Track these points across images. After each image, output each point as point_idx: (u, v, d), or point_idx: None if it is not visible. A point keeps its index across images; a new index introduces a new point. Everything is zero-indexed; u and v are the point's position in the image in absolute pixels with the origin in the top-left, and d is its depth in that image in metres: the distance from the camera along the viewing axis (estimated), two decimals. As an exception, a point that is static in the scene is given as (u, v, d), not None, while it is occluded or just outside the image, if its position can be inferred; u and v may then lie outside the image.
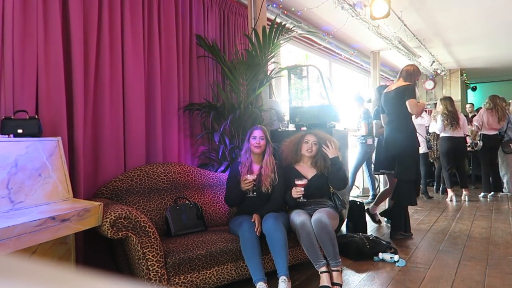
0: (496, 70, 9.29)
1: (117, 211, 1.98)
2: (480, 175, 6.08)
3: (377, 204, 4.15)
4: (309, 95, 3.92)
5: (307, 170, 2.83)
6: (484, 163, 5.94)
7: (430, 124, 5.93)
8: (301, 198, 2.62)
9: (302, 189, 2.60)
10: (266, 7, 3.97)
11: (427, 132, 5.98)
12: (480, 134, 5.89)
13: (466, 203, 5.40)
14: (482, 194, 5.86)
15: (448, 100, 5.57)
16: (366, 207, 4.01)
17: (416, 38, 6.01)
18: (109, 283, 0.29)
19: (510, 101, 6.07)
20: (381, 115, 3.83)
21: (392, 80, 9.31)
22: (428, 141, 5.88)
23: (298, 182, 2.60)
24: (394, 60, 8.07)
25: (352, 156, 5.11)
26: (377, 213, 4.15)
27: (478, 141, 5.92)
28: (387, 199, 4.15)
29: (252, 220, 2.46)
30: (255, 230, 2.39)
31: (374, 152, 4.32)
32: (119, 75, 2.75)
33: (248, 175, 2.58)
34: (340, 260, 2.46)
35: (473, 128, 5.97)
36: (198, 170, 3.02)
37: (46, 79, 2.30)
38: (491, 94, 5.94)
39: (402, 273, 2.68)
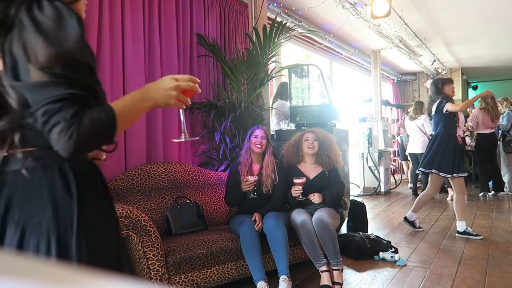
0: (497, 69, 9.28)
1: (118, 210, 1.98)
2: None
3: (416, 210, 3.83)
4: (309, 94, 3.92)
5: (310, 170, 2.82)
6: (481, 162, 5.92)
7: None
8: (300, 196, 2.61)
9: (301, 187, 2.60)
10: (267, 6, 3.96)
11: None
12: (476, 133, 5.88)
13: (466, 202, 5.40)
14: (481, 193, 5.86)
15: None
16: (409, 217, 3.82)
17: (417, 37, 6.00)
18: (110, 282, 0.29)
19: (498, 99, 5.99)
20: None
21: (393, 79, 9.31)
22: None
23: (296, 180, 2.60)
24: (395, 59, 8.06)
25: (352, 155, 5.09)
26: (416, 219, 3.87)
27: (471, 142, 5.93)
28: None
29: (253, 219, 2.46)
30: (256, 227, 2.39)
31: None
32: (120, 74, 2.75)
33: (249, 176, 2.56)
34: (341, 259, 2.47)
35: (469, 128, 5.95)
36: (198, 169, 3.02)
37: (47, 78, 2.30)
38: None
39: (402, 272, 2.68)
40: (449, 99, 3.60)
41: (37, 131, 0.76)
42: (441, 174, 3.54)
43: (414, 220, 3.85)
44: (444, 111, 3.53)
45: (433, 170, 3.56)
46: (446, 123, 3.57)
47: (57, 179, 0.79)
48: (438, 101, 3.59)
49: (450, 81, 3.71)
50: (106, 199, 0.90)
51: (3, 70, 0.76)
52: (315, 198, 2.60)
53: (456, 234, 3.59)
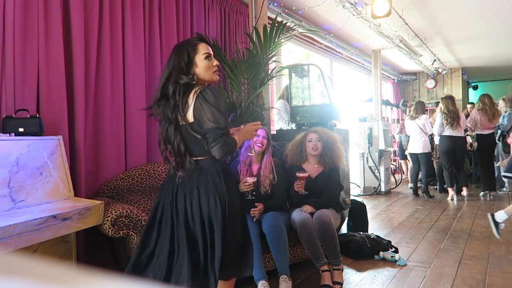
0: (497, 69, 9.27)
1: (118, 210, 1.98)
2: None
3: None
4: (310, 94, 3.92)
5: (312, 169, 2.82)
6: (481, 162, 5.92)
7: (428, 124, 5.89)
8: (303, 191, 2.61)
9: (303, 182, 2.60)
10: (267, 5, 3.96)
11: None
12: (475, 134, 5.90)
13: (466, 202, 5.40)
14: (482, 193, 5.85)
15: (449, 99, 5.56)
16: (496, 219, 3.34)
17: (417, 37, 6.00)
18: (110, 281, 0.29)
19: (497, 101, 6.00)
20: None
21: (393, 79, 9.30)
22: (430, 141, 5.88)
23: (299, 174, 2.59)
24: (395, 59, 8.05)
25: (352, 155, 5.09)
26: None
27: (473, 142, 5.96)
28: None
29: (257, 205, 2.49)
30: (252, 212, 2.45)
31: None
32: (120, 74, 2.75)
33: (248, 178, 2.53)
34: (341, 259, 2.47)
35: (467, 129, 5.96)
36: (199, 169, 3.02)
37: (47, 78, 2.30)
38: (481, 94, 5.93)
39: (403, 272, 2.68)
40: None
41: (201, 150, 1.60)
42: None
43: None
44: None
45: None
46: None
47: (214, 170, 1.62)
48: None
49: None
50: (234, 180, 1.78)
51: (194, 122, 1.58)
52: (307, 209, 2.61)
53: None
